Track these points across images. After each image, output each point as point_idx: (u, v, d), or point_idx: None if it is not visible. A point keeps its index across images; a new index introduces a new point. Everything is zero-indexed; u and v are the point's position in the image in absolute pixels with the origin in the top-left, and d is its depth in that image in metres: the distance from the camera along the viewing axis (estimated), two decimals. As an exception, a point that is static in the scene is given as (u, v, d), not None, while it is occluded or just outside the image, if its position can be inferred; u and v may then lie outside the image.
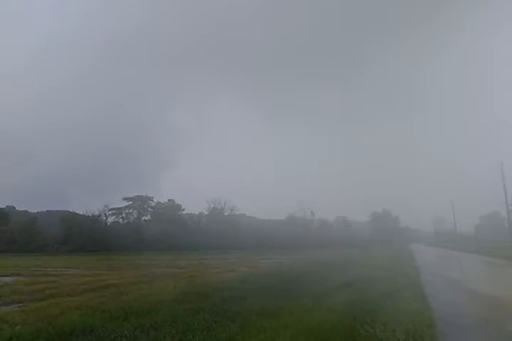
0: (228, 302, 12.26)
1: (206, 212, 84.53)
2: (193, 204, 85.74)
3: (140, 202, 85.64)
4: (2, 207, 79.05)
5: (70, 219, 75.91)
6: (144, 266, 35.56)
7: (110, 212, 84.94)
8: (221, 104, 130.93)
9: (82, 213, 79.91)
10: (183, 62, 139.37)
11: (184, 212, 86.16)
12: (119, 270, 32.82)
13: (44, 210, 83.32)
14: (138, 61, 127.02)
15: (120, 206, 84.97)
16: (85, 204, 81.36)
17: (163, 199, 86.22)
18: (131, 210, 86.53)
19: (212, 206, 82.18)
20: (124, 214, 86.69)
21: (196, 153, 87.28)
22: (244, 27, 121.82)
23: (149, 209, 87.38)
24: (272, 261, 36.56)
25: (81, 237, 69.21)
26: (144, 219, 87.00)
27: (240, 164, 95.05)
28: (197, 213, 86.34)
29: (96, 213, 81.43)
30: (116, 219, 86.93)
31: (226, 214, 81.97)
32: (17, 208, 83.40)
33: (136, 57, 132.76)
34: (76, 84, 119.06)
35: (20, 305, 15.47)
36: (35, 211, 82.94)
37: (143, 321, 9.56)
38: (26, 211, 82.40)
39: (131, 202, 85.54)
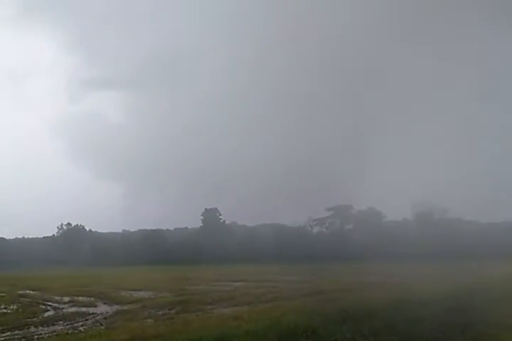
0: (452, 313, 11.10)
1: (411, 218, 78.99)
2: (397, 208, 79.64)
3: (341, 211, 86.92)
4: (228, 222, 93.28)
5: (280, 231, 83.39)
6: (352, 274, 35.66)
7: (314, 223, 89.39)
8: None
9: (289, 225, 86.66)
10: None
11: (387, 219, 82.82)
12: (329, 277, 33.87)
13: (260, 224, 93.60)
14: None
15: (323, 216, 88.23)
16: (294, 216, 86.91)
17: (363, 207, 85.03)
18: (333, 220, 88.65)
19: (417, 210, 76.07)
20: (327, 224, 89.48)
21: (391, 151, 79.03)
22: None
23: (351, 218, 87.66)
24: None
25: (290, 247, 74.78)
26: (347, 228, 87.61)
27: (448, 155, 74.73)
28: (401, 219, 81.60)
29: (302, 224, 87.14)
30: (321, 229, 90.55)
31: (436, 218, 74.52)
32: (238, 223, 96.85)
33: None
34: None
35: (250, 305, 17.69)
36: (253, 225, 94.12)
37: (360, 326, 9.52)
38: (245, 225, 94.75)
39: (332, 212, 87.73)
